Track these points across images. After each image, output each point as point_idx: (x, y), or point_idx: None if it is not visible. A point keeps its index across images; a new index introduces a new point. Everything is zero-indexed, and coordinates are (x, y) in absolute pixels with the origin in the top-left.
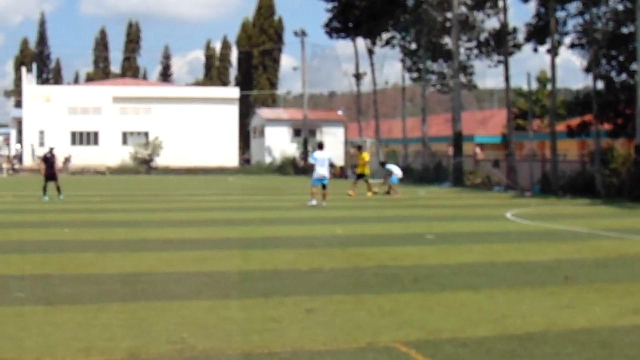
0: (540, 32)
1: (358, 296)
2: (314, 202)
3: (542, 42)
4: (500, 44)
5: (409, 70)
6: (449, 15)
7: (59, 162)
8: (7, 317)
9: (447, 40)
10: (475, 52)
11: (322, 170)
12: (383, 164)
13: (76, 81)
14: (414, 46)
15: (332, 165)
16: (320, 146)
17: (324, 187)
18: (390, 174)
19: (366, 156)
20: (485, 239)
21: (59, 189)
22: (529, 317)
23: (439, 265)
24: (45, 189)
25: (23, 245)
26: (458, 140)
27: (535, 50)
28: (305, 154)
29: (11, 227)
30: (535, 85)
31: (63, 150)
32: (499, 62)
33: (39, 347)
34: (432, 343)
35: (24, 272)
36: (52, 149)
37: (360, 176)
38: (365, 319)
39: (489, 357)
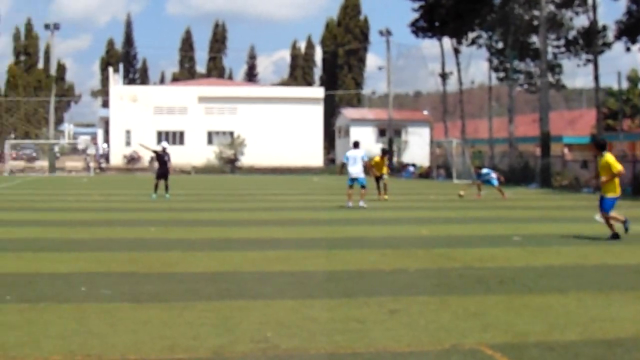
0: (631, 30)
1: (442, 297)
2: (350, 204)
3: (633, 40)
4: (589, 42)
5: (496, 69)
6: (537, 13)
7: (171, 162)
8: (94, 314)
9: (535, 39)
10: (563, 50)
11: (353, 169)
12: (479, 167)
13: (162, 81)
14: (500, 45)
15: (364, 165)
16: (356, 144)
17: (363, 186)
18: (487, 178)
19: (381, 160)
20: (573, 241)
21: (167, 188)
22: (618, 321)
23: (525, 267)
24: (156, 187)
25: (110, 243)
26: (545, 140)
27: (628, 49)
28: (390, 154)
29: (98, 225)
30: (625, 84)
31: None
32: (588, 60)
33: (124, 343)
34: (518, 346)
35: (111, 270)
36: (164, 148)
37: (379, 178)
38: (450, 321)
39: None
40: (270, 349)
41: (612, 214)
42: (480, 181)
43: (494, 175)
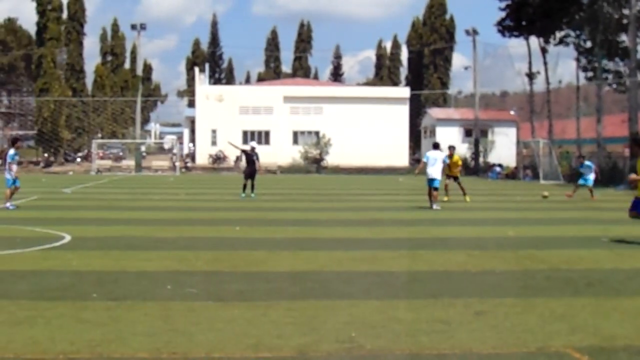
0: None
1: (529, 299)
2: (437, 207)
3: None
4: None
5: (584, 68)
6: (626, 11)
7: (260, 161)
8: (179, 312)
9: (624, 38)
10: None
11: (431, 170)
12: (583, 157)
13: (247, 81)
14: (588, 44)
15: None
16: (435, 146)
17: (435, 189)
18: (586, 173)
19: (458, 159)
20: None
21: (253, 187)
22: None
23: (613, 270)
24: (244, 187)
25: (195, 242)
26: (635, 140)
27: None
28: (476, 154)
29: (184, 224)
30: None
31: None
32: None
33: (209, 341)
34: (606, 350)
35: (196, 268)
36: (253, 147)
37: (454, 178)
38: (536, 323)
39: None
40: (355, 348)
41: None
42: (581, 171)
43: (592, 174)
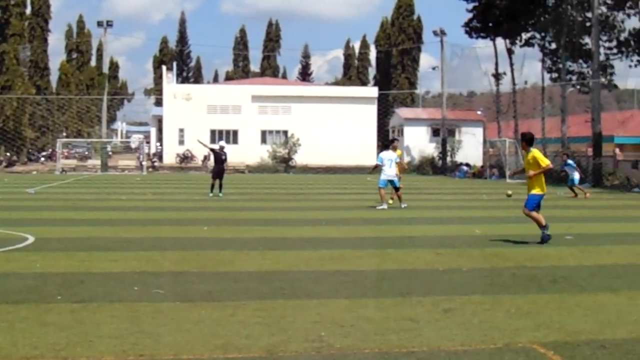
0: None
1: (495, 296)
2: (384, 206)
3: None
4: None
5: (549, 69)
6: (589, 14)
7: (228, 161)
8: (146, 313)
9: (587, 40)
10: (615, 51)
11: (389, 172)
12: (567, 155)
13: (215, 79)
14: (553, 46)
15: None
16: (386, 146)
17: (397, 188)
18: (571, 172)
19: (400, 154)
20: (625, 240)
21: (221, 187)
22: None
23: (577, 267)
24: (212, 186)
25: (162, 242)
26: (597, 140)
27: None
28: (443, 154)
29: (151, 224)
30: None
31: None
32: (639, 61)
33: (177, 343)
34: (570, 344)
35: (163, 269)
36: (222, 147)
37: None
38: (503, 320)
39: None
40: (324, 348)
41: (534, 213)
42: (566, 170)
43: (577, 172)
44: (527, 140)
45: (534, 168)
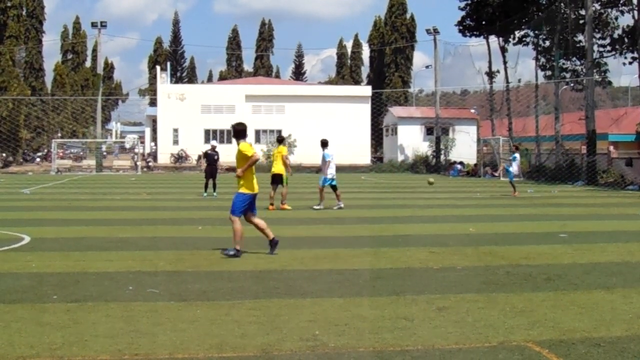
0: None
1: (490, 295)
2: (321, 206)
3: None
4: (634, 40)
5: (542, 67)
6: (582, 12)
7: (221, 160)
8: (141, 313)
9: (581, 37)
10: (609, 49)
11: (331, 170)
12: (517, 148)
13: (209, 79)
14: (547, 43)
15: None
16: (324, 143)
17: (335, 187)
18: (508, 166)
19: (283, 150)
20: (619, 238)
21: (214, 186)
22: None
23: (571, 265)
24: (206, 186)
25: (157, 242)
26: (591, 138)
27: None
28: (437, 152)
29: (146, 224)
30: None
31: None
32: (633, 59)
33: (172, 342)
34: (565, 342)
35: (158, 269)
36: (214, 147)
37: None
38: (497, 318)
39: (622, 358)
40: (319, 347)
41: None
42: (507, 163)
43: (516, 167)
44: (237, 133)
45: (243, 163)
